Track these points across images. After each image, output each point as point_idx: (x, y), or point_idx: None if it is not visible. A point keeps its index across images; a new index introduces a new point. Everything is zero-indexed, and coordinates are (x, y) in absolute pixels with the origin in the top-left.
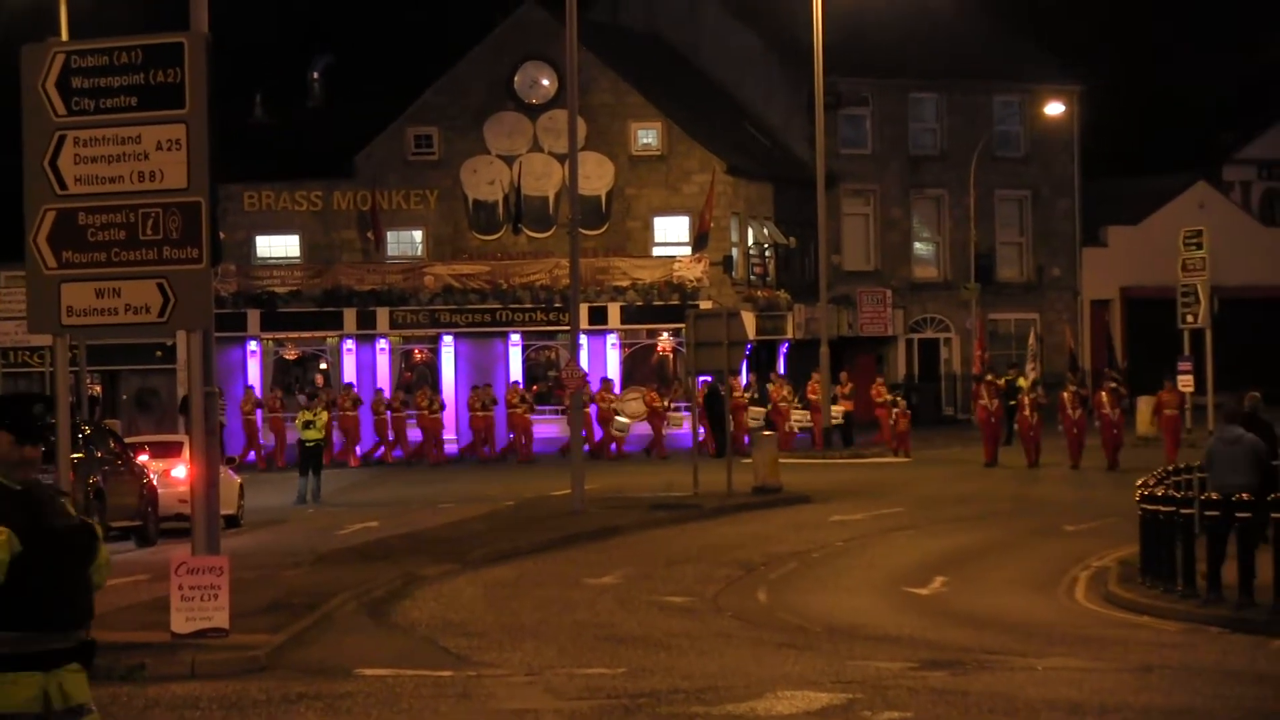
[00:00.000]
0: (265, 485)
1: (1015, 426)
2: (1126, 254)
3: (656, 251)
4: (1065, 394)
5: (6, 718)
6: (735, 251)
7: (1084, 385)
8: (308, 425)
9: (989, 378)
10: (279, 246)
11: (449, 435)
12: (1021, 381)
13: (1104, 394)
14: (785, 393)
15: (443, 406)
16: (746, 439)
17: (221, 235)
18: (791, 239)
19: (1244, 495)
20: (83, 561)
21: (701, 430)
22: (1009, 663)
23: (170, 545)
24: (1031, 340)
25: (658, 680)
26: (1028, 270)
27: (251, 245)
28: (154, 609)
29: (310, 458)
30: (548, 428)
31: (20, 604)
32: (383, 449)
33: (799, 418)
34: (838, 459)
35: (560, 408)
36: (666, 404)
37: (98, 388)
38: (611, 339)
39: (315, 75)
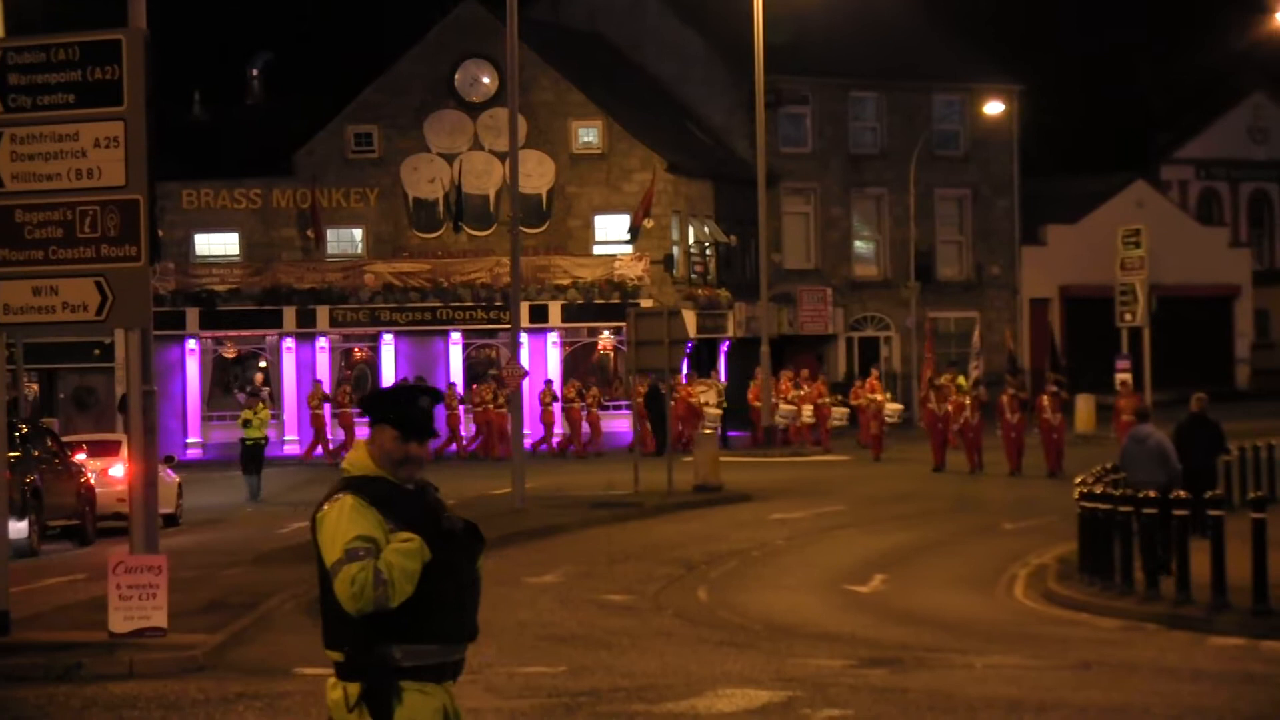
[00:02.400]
0: (203, 485)
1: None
2: (1065, 253)
3: (597, 250)
4: (1004, 396)
5: None
6: (676, 250)
7: (1024, 388)
8: (247, 424)
9: (938, 380)
10: (218, 245)
11: None
12: (961, 380)
13: (1045, 398)
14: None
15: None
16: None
17: (160, 233)
18: (732, 237)
19: (1151, 493)
20: (475, 565)
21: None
22: (948, 660)
23: (108, 544)
24: (975, 339)
25: (598, 679)
26: (967, 269)
27: (190, 243)
28: (92, 608)
29: (251, 456)
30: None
31: (427, 615)
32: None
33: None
34: (778, 458)
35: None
36: (588, 401)
37: (35, 386)
38: (552, 337)
39: (254, 73)
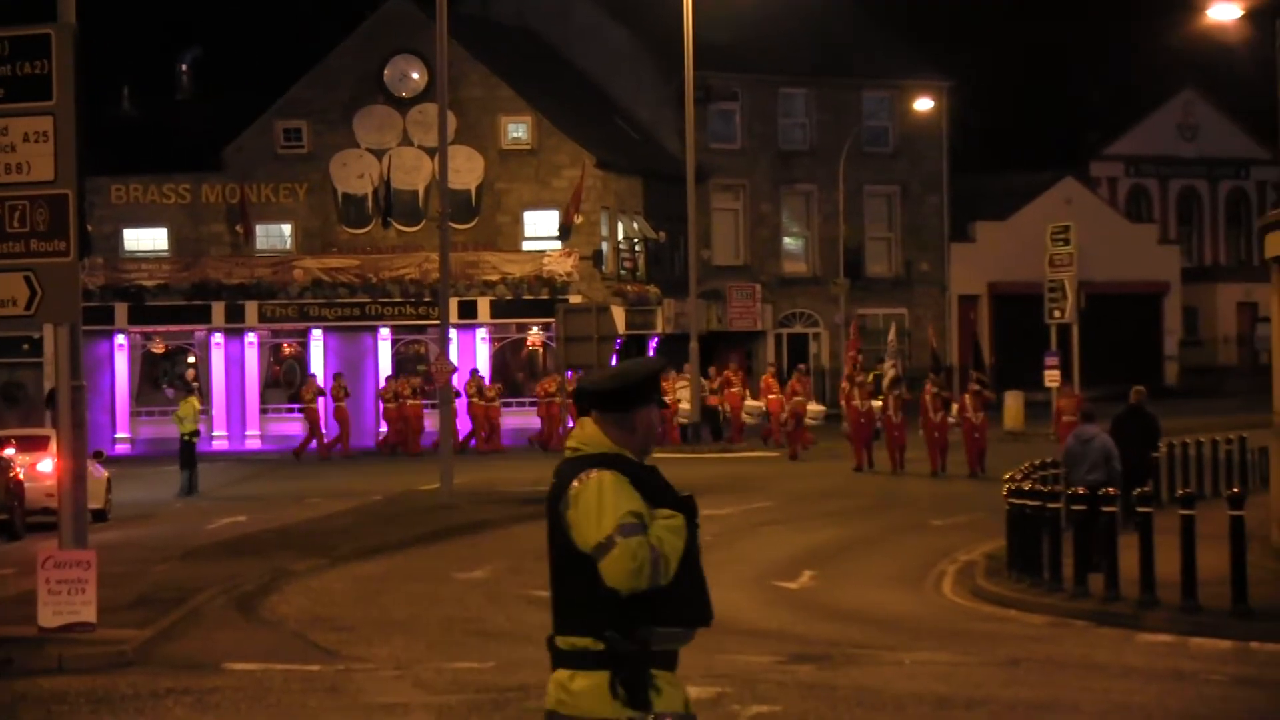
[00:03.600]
0: (133, 480)
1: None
2: (994, 249)
3: (526, 246)
4: (925, 395)
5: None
6: (605, 246)
7: (947, 386)
8: (180, 420)
9: (860, 378)
10: (147, 240)
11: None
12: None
13: (967, 397)
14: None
15: (323, 393)
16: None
17: (89, 228)
18: (661, 233)
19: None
20: (696, 544)
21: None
22: (877, 656)
23: (37, 539)
24: (891, 336)
25: (526, 674)
26: (896, 265)
27: (119, 238)
28: (21, 603)
29: (184, 451)
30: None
31: (680, 597)
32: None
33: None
34: (706, 453)
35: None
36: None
37: None
38: (481, 333)
39: (183, 68)
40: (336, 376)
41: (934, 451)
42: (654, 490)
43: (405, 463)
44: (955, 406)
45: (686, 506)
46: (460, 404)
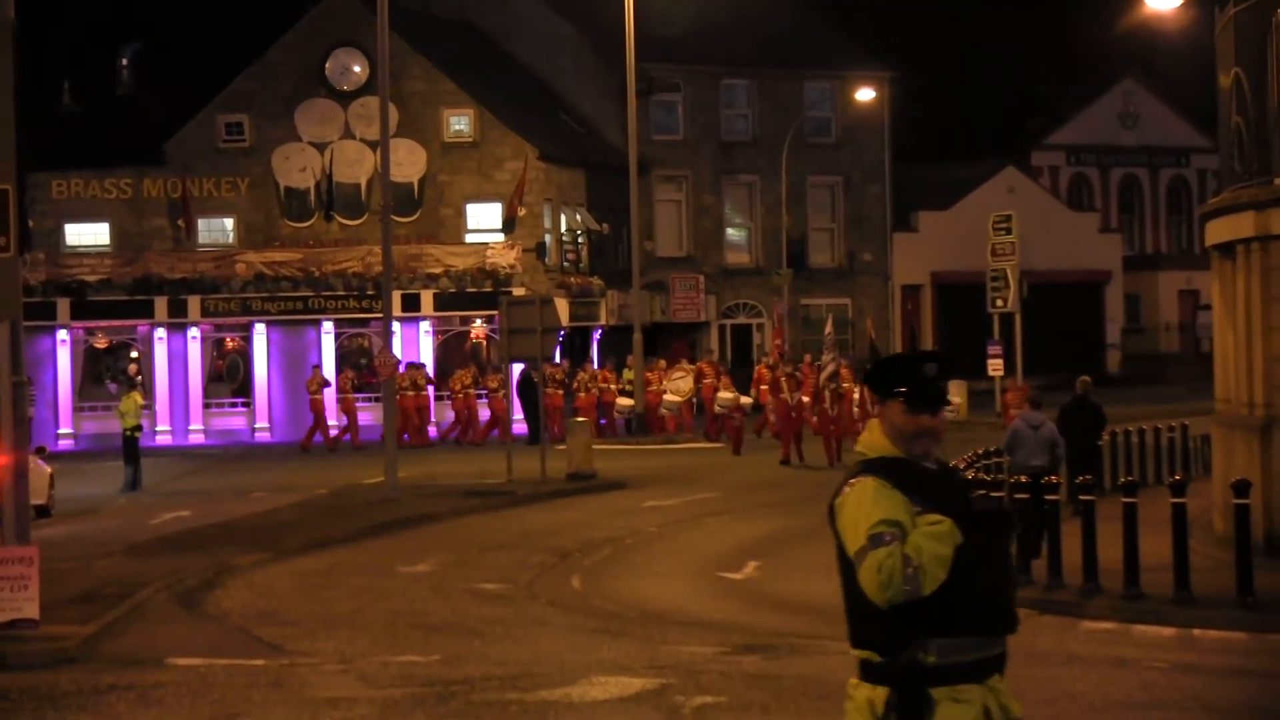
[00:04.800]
0: (75, 476)
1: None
2: (937, 239)
3: (469, 238)
4: (865, 387)
5: None
6: (548, 238)
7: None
8: (123, 415)
9: (787, 369)
10: (88, 235)
11: (260, 423)
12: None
13: None
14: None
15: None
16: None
17: (30, 224)
18: (604, 225)
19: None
20: (1008, 549)
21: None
22: (822, 647)
23: None
24: (828, 329)
25: (471, 667)
26: (839, 256)
27: (60, 234)
28: None
29: (127, 446)
30: (363, 415)
31: (964, 604)
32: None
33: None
34: (651, 445)
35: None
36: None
37: None
38: (425, 326)
39: (124, 62)
40: (419, 366)
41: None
42: (938, 494)
43: (349, 456)
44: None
45: (988, 514)
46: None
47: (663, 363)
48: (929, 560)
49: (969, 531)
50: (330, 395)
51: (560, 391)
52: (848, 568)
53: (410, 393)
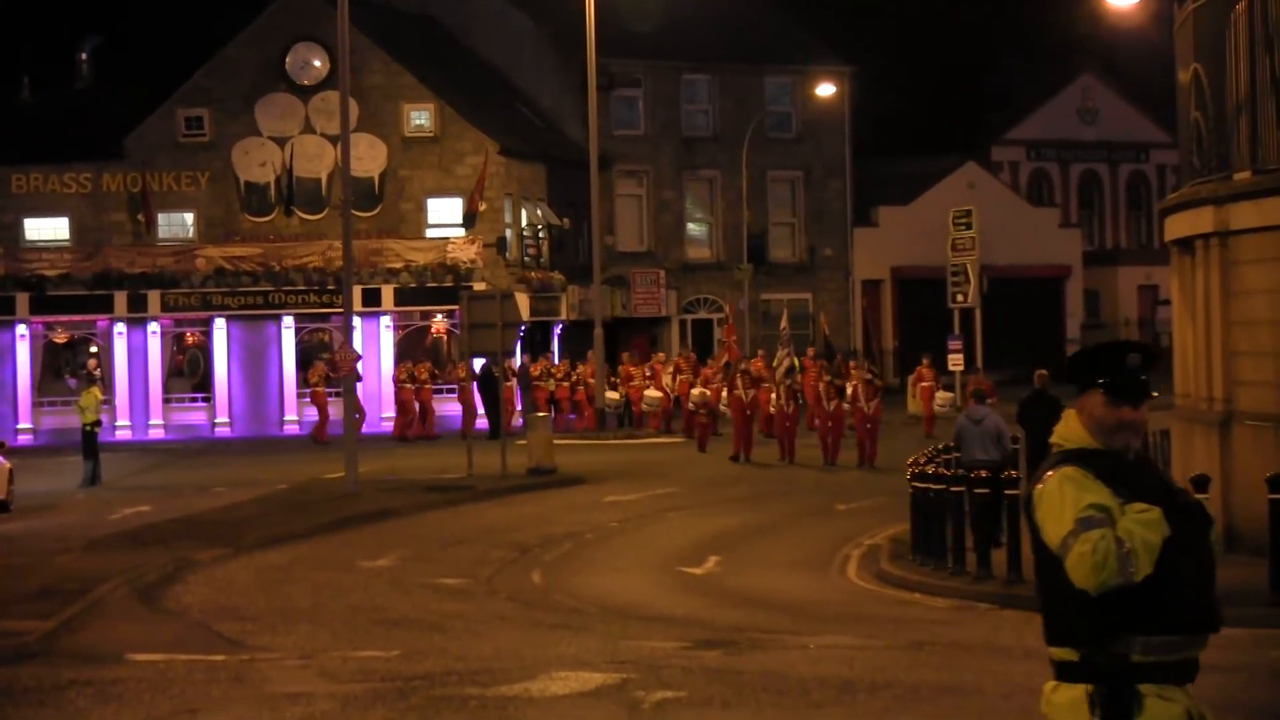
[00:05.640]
0: (35, 471)
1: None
2: (897, 234)
3: (430, 233)
4: (820, 384)
5: None
6: (509, 233)
7: (839, 375)
8: (83, 410)
9: (742, 366)
10: (48, 229)
11: (221, 418)
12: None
13: (858, 385)
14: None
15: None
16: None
17: None
18: (565, 220)
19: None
20: (1209, 544)
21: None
22: (782, 641)
23: None
24: (783, 324)
25: (432, 662)
26: (800, 251)
27: (20, 228)
28: None
29: (86, 442)
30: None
31: (1169, 598)
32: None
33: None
34: (612, 440)
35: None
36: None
37: None
38: (385, 321)
39: (83, 56)
40: (403, 364)
41: (827, 442)
42: (1141, 486)
43: (315, 450)
44: (854, 389)
45: (1190, 508)
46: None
47: (663, 355)
48: (1140, 546)
49: (1174, 523)
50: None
51: (566, 384)
52: (1047, 559)
53: (409, 385)
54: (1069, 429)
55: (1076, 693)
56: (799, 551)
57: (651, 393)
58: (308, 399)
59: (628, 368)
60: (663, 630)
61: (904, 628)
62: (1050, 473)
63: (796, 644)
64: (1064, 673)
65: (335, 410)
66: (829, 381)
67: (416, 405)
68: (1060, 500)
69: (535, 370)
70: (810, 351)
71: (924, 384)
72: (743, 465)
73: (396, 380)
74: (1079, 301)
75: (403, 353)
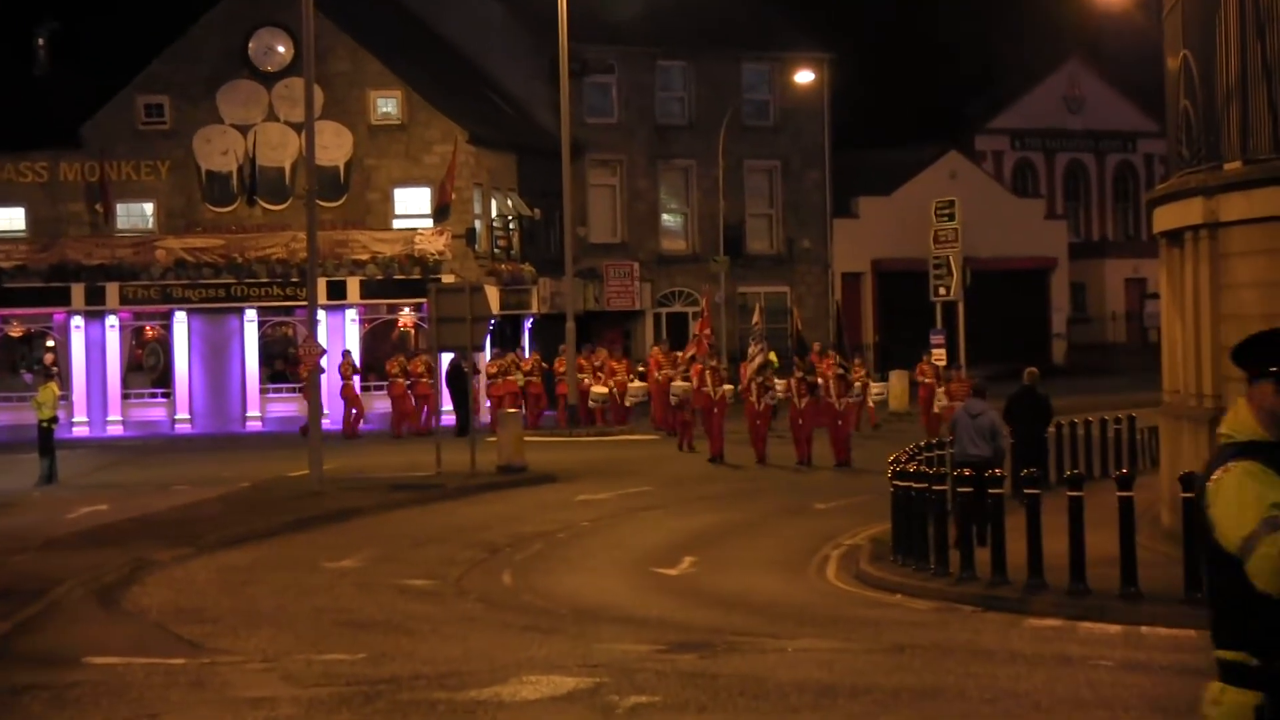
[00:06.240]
0: None
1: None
2: (878, 226)
3: (397, 224)
4: (791, 380)
5: None
6: (478, 224)
7: (813, 370)
8: (39, 405)
9: (714, 362)
10: (3, 220)
11: (181, 414)
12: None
13: (830, 381)
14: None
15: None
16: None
17: None
18: (536, 211)
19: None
20: None
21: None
22: (759, 644)
23: None
24: (756, 317)
25: (399, 666)
26: (778, 242)
27: None
28: None
29: (43, 438)
30: (287, 406)
31: None
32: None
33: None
34: (584, 437)
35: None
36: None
37: None
38: (351, 314)
39: (40, 42)
40: (345, 354)
41: (799, 440)
42: None
43: (274, 448)
44: (825, 385)
45: None
46: (337, 388)
47: (665, 347)
48: None
49: None
50: (358, 382)
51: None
52: (1222, 558)
53: (400, 379)
54: (1239, 420)
55: (1246, 699)
56: (776, 551)
57: (637, 384)
58: (270, 394)
59: (611, 362)
60: (636, 633)
61: (884, 630)
62: (1227, 467)
63: (774, 647)
64: (1234, 677)
65: (365, 404)
66: (800, 378)
67: (412, 400)
68: (1240, 497)
69: (493, 368)
70: (816, 346)
71: (925, 380)
72: (717, 465)
73: (390, 374)
74: (1065, 295)
75: (369, 349)
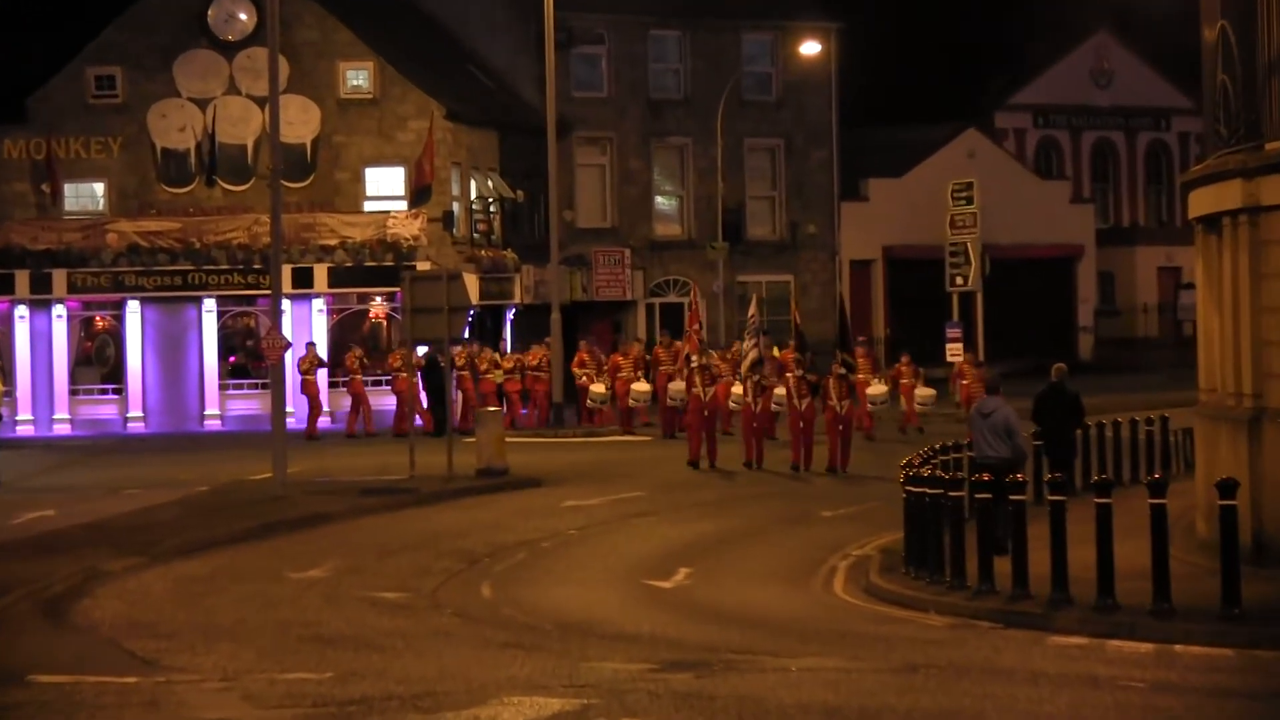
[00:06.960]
0: None
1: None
2: (890, 210)
3: (368, 206)
4: (791, 380)
5: None
6: (456, 207)
7: (812, 368)
8: None
9: (702, 360)
10: None
11: (134, 411)
12: (776, 351)
13: (830, 381)
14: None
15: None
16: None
17: None
18: (519, 192)
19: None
20: None
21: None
22: (760, 663)
23: None
24: (752, 310)
25: (369, 685)
26: (781, 227)
27: None
28: None
29: None
30: (249, 403)
31: None
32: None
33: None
34: (570, 438)
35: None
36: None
37: None
38: (318, 304)
39: None
40: (310, 346)
41: (797, 443)
42: None
43: (233, 449)
44: (826, 385)
45: None
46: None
47: (667, 340)
48: None
49: None
50: (323, 377)
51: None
52: None
53: (403, 374)
54: None
55: None
56: (778, 562)
57: (639, 386)
58: (230, 390)
59: (616, 358)
60: (627, 650)
61: (896, 648)
62: None
63: (776, 666)
64: None
65: (374, 400)
66: (800, 377)
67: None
68: None
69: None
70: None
71: (904, 381)
72: (705, 471)
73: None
74: (1092, 285)
75: (337, 340)
